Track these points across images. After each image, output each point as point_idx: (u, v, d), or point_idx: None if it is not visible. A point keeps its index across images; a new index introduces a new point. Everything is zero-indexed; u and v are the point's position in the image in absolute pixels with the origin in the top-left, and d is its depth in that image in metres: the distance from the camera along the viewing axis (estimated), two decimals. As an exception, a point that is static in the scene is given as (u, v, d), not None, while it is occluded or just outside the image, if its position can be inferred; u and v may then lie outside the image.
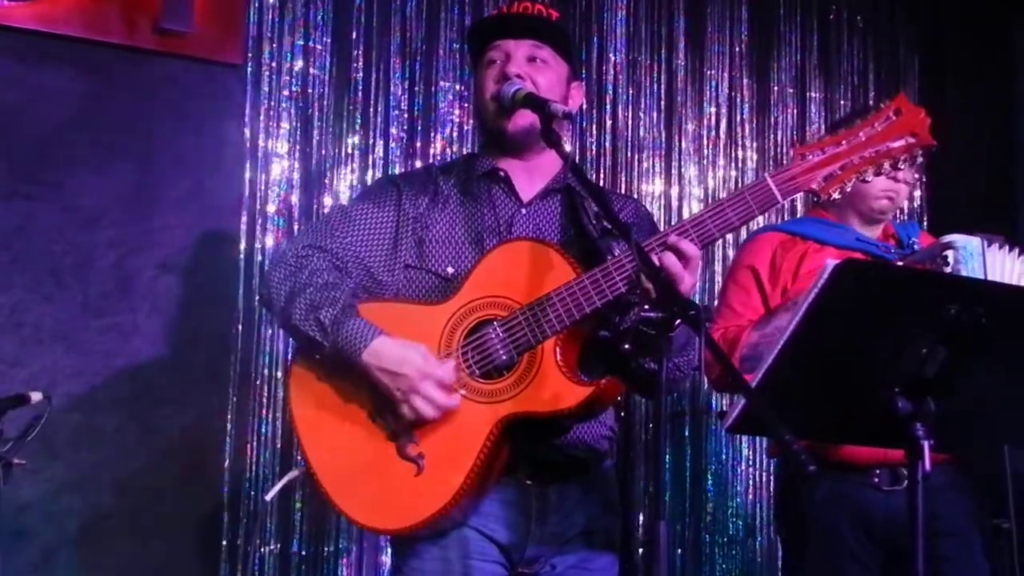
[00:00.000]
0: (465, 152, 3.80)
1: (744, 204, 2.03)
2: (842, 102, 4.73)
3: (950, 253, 2.50)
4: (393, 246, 2.27)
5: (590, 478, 2.26)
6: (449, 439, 2.05)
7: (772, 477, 3.78)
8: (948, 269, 2.48)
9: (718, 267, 4.42)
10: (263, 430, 3.60)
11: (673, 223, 4.24)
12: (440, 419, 2.05)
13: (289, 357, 2.19)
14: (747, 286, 2.83)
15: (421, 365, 2.05)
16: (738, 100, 4.53)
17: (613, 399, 2.12)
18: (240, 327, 3.61)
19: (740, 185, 4.49)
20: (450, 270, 2.22)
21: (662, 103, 4.38)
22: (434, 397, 2.04)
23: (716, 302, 3.15)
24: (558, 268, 2.06)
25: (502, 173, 2.31)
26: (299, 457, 2.19)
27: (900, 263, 2.66)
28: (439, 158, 3.90)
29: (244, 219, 3.66)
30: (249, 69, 3.72)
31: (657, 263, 1.95)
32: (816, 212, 2.99)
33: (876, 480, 2.65)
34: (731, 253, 4.42)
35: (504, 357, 2.05)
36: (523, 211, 2.28)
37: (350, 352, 2.07)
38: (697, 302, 1.80)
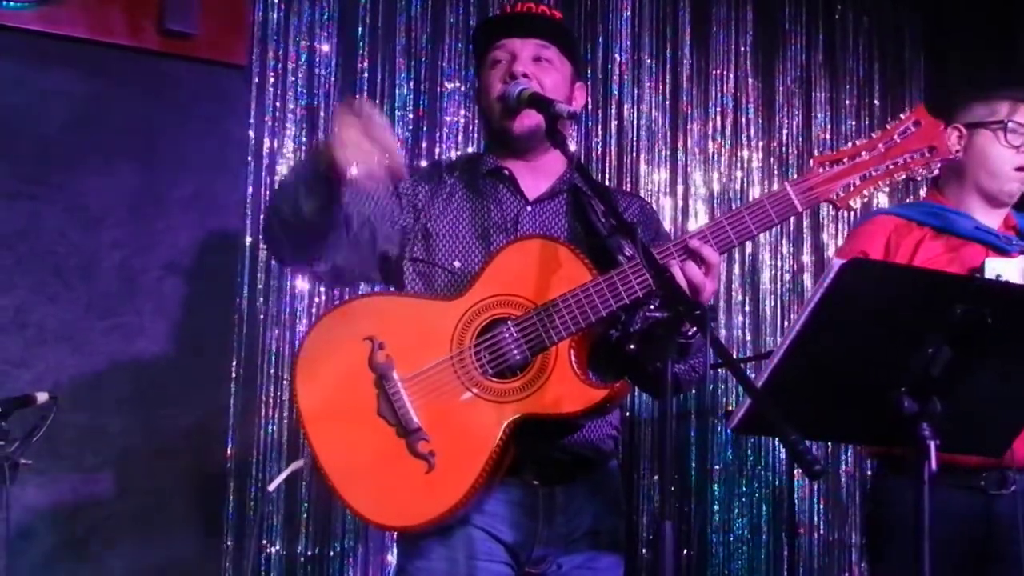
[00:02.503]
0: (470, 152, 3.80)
1: (763, 212, 2.03)
2: (847, 102, 4.72)
3: None
4: (399, 213, 2.26)
5: (596, 478, 2.26)
6: (461, 438, 2.04)
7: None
8: None
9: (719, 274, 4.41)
10: (268, 430, 3.59)
11: (679, 223, 4.30)
12: (453, 419, 2.05)
13: (295, 355, 2.19)
14: None
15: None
16: (743, 100, 4.51)
17: (623, 399, 2.12)
18: (244, 328, 3.60)
19: (745, 185, 4.48)
20: (457, 264, 2.22)
21: (667, 103, 4.37)
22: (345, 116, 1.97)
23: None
24: (571, 267, 2.06)
25: (507, 172, 2.30)
26: (305, 453, 2.19)
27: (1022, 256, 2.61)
28: (444, 159, 3.89)
29: (249, 220, 3.65)
30: (254, 70, 3.71)
31: (678, 269, 1.96)
32: (933, 196, 2.86)
33: (983, 483, 2.58)
34: (735, 256, 4.42)
35: (518, 357, 2.05)
36: (528, 208, 2.28)
37: (312, 151, 2.05)
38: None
